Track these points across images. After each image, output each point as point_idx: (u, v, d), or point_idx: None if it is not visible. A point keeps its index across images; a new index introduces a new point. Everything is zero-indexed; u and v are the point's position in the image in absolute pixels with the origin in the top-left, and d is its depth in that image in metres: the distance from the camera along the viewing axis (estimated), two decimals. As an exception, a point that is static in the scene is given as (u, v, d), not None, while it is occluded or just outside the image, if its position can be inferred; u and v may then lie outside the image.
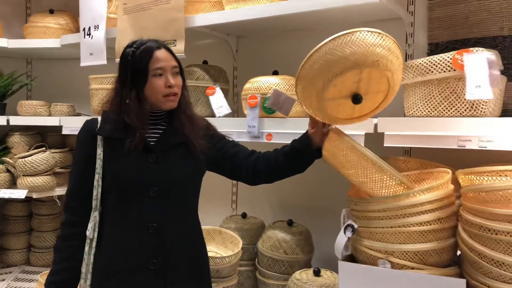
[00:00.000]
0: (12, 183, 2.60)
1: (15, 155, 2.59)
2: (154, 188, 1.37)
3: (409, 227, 1.24)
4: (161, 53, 1.38)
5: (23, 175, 2.49)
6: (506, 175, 1.10)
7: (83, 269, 1.39)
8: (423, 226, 1.23)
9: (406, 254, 1.25)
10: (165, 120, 1.47)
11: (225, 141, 1.54)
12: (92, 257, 1.39)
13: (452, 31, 1.76)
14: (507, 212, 1.07)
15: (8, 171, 2.61)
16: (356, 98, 1.26)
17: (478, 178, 1.16)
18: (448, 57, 1.37)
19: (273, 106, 1.69)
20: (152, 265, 1.35)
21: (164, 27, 1.96)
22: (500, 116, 1.42)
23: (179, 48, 1.92)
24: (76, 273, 1.40)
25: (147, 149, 1.38)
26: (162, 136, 1.43)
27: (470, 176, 1.19)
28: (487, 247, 1.12)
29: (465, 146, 1.34)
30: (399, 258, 1.25)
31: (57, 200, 2.63)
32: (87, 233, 1.39)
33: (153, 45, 1.40)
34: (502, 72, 1.58)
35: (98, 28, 2.22)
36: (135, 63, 1.37)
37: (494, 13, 1.65)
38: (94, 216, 1.39)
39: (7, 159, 2.62)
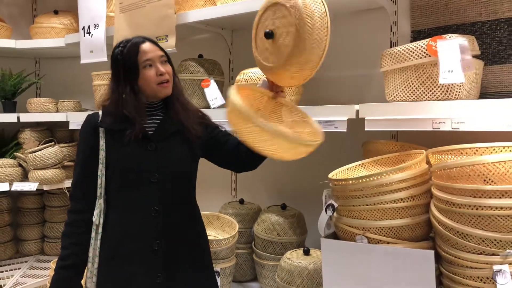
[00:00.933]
0: (24, 177, 2.74)
1: (26, 150, 2.73)
2: (155, 175, 1.47)
3: (384, 204, 1.32)
4: (146, 46, 1.49)
5: (34, 169, 2.63)
6: (466, 153, 1.18)
7: (90, 253, 1.49)
8: (397, 203, 1.32)
9: (382, 229, 1.34)
10: (161, 110, 1.56)
11: (217, 130, 1.63)
12: (98, 242, 1.48)
13: (433, 18, 1.82)
14: (467, 187, 1.15)
15: (20, 165, 2.75)
16: (267, 33, 1.35)
17: (443, 156, 1.24)
18: (423, 44, 1.44)
19: (262, 96, 1.79)
20: (156, 245, 1.45)
21: (157, 23, 2.06)
22: (479, 99, 1.48)
23: (170, 43, 2.01)
24: (83, 258, 1.49)
25: (146, 138, 1.49)
26: (159, 125, 1.53)
27: (437, 155, 1.27)
28: (453, 220, 1.21)
29: (439, 128, 1.41)
30: (375, 234, 1.34)
31: (66, 192, 2.76)
32: (93, 219, 1.49)
33: (138, 40, 1.50)
34: (481, 57, 1.64)
35: (98, 26, 2.33)
36: (125, 60, 1.48)
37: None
38: (99, 203, 1.49)
39: (19, 154, 2.76)
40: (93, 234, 1.49)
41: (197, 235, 1.59)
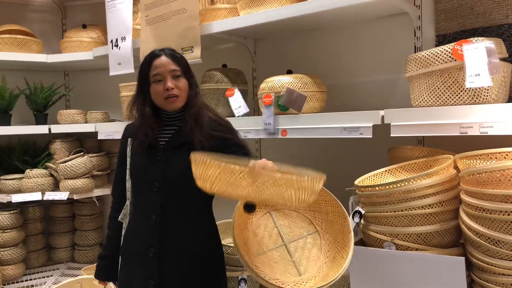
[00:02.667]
0: (55, 186, 2.83)
1: (57, 160, 2.81)
2: (156, 184, 1.51)
3: (412, 210, 1.31)
4: (159, 61, 1.52)
5: (65, 179, 2.71)
6: (496, 158, 1.16)
7: (121, 248, 1.62)
8: (425, 209, 1.31)
9: (410, 236, 1.32)
10: (181, 120, 1.57)
11: (233, 150, 1.49)
12: (123, 238, 1.62)
13: (458, 22, 1.80)
14: (498, 192, 1.13)
15: (51, 175, 2.84)
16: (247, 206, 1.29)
17: (472, 161, 1.23)
18: (448, 48, 1.43)
19: (286, 104, 1.80)
20: (150, 252, 1.50)
21: (182, 35, 2.10)
22: (508, 102, 1.46)
23: (196, 54, 2.05)
24: (115, 250, 1.64)
25: (156, 148, 1.54)
26: (171, 136, 1.56)
27: (465, 160, 1.25)
28: (484, 226, 1.19)
29: (467, 133, 1.39)
30: (403, 240, 1.33)
31: (95, 201, 2.83)
32: (119, 219, 1.62)
33: (155, 53, 1.55)
34: (509, 59, 1.61)
35: (125, 39, 2.40)
36: (140, 72, 1.56)
37: (498, 2, 1.69)
38: (126, 205, 1.62)
39: (50, 164, 2.85)
40: (123, 231, 1.63)
41: (200, 248, 1.55)
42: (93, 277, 1.73)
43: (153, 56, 1.54)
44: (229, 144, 1.52)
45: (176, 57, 1.55)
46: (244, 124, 1.96)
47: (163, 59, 1.52)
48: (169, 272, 1.51)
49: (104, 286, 1.75)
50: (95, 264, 1.73)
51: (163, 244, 1.50)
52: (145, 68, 1.54)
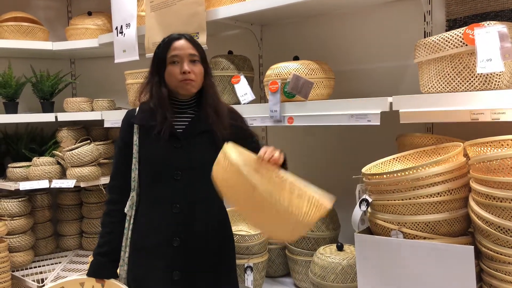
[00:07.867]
0: (62, 174, 2.84)
1: (64, 148, 2.82)
2: (178, 172, 1.50)
3: (420, 198, 1.29)
4: (179, 43, 1.52)
5: (71, 166, 2.71)
6: (507, 145, 1.13)
7: (123, 243, 1.58)
8: (434, 197, 1.28)
9: (418, 224, 1.30)
10: (194, 108, 1.58)
11: (249, 141, 1.58)
12: (130, 232, 1.57)
13: (470, 6, 1.76)
14: (509, 180, 1.10)
15: (58, 163, 2.85)
16: None
17: (482, 149, 1.20)
18: (459, 32, 1.39)
19: (292, 90, 1.78)
20: (175, 242, 1.49)
21: (187, 21, 2.08)
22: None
23: (201, 40, 2.02)
24: (117, 246, 1.58)
25: (174, 136, 1.52)
26: (189, 124, 1.56)
27: (475, 148, 1.23)
28: (494, 214, 1.16)
29: (478, 119, 1.35)
30: (411, 229, 1.31)
31: (102, 188, 2.84)
32: (125, 210, 1.57)
33: (174, 36, 1.54)
34: (522, 44, 1.57)
35: (129, 26, 2.38)
36: (158, 53, 1.54)
37: (511, -15, 1.64)
38: (132, 195, 1.57)
39: (57, 152, 2.86)
40: (126, 224, 1.58)
41: (220, 235, 1.59)
42: (86, 276, 1.60)
43: (172, 38, 1.54)
44: (244, 135, 1.60)
45: (195, 42, 1.56)
46: (250, 111, 1.93)
47: (183, 42, 1.53)
48: (195, 260, 1.51)
49: (103, 284, 1.65)
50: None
51: (188, 232, 1.50)
52: (163, 49, 1.53)
